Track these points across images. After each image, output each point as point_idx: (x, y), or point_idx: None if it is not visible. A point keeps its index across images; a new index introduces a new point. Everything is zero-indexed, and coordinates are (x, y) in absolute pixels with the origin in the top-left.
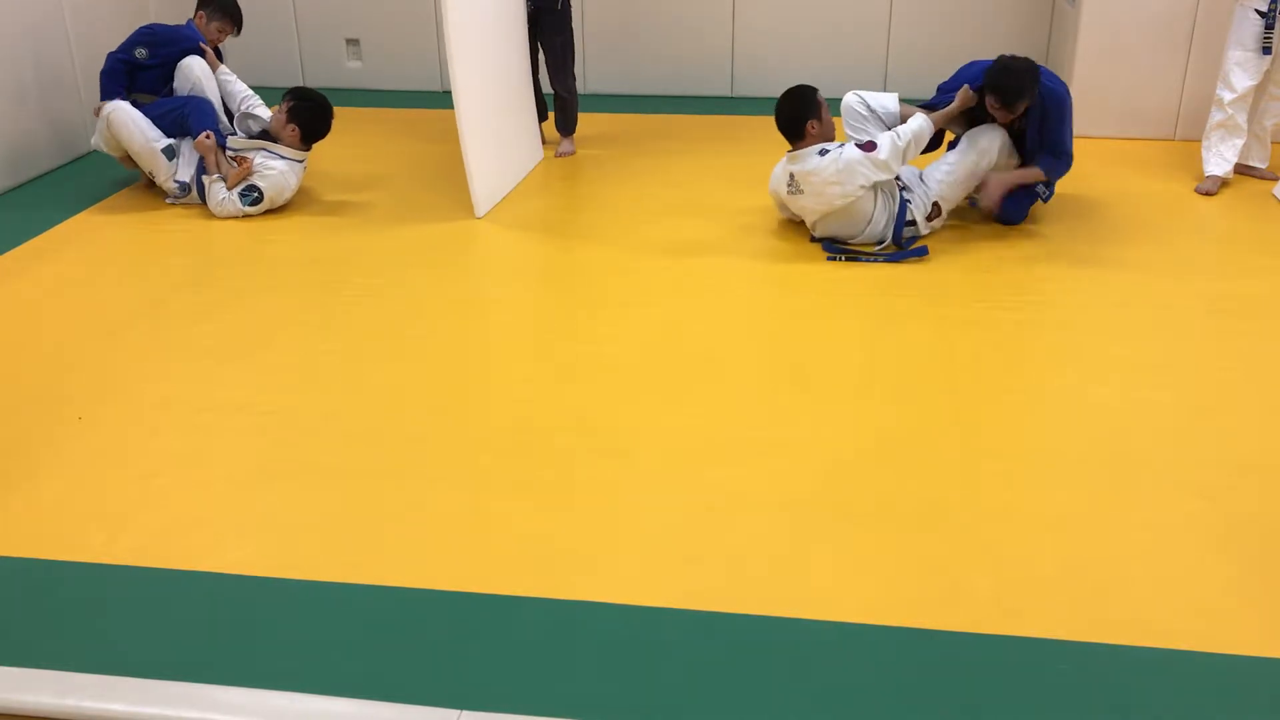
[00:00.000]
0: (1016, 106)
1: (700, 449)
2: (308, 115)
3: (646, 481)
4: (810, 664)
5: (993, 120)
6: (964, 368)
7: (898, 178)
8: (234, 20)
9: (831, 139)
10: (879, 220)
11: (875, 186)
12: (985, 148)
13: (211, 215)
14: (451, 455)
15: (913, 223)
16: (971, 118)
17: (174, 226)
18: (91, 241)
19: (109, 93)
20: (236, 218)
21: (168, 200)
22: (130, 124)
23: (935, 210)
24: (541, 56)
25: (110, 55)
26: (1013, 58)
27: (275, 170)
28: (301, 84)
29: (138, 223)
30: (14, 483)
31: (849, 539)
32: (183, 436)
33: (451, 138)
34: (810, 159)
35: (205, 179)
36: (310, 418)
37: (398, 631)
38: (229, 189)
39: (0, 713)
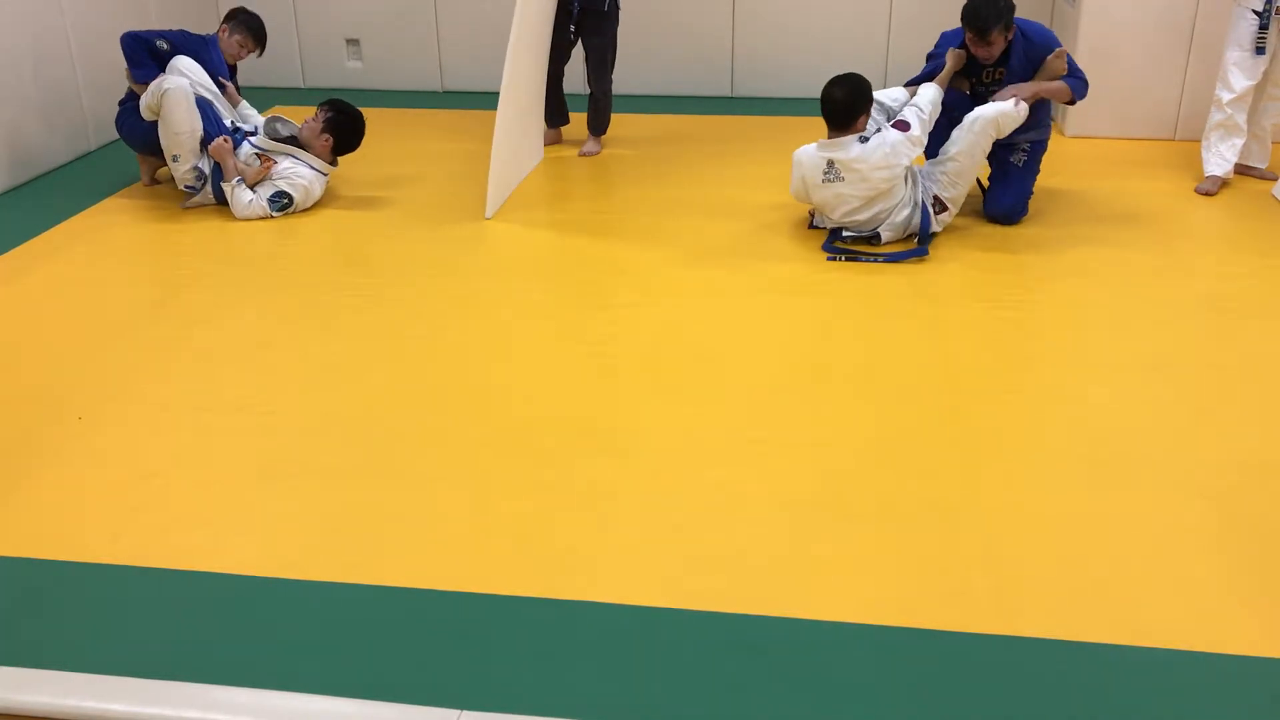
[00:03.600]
0: (993, 36)
1: (700, 449)
2: (344, 128)
3: (646, 481)
4: (810, 664)
5: (978, 75)
6: (964, 368)
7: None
8: (258, 40)
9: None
10: (907, 203)
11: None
12: (979, 138)
13: (212, 215)
14: (451, 455)
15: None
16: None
17: (174, 227)
18: (92, 242)
19: (143, 67)
20: (260, 219)
21: (183, 205)
22: (186, 104)
23: (939, 205)
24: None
25: (130, 33)
26: None
27: (304, 179)
28: (301, 84)
29: (138, 223)
30: (14, 483)
31: (849, 539)
32: (183, 436)
33: (452, 138)
34: (852, 147)
35: (224, 184)
36: (310, 418)
37: (398, 631)
38: (251, 187)
39: (0, 713)
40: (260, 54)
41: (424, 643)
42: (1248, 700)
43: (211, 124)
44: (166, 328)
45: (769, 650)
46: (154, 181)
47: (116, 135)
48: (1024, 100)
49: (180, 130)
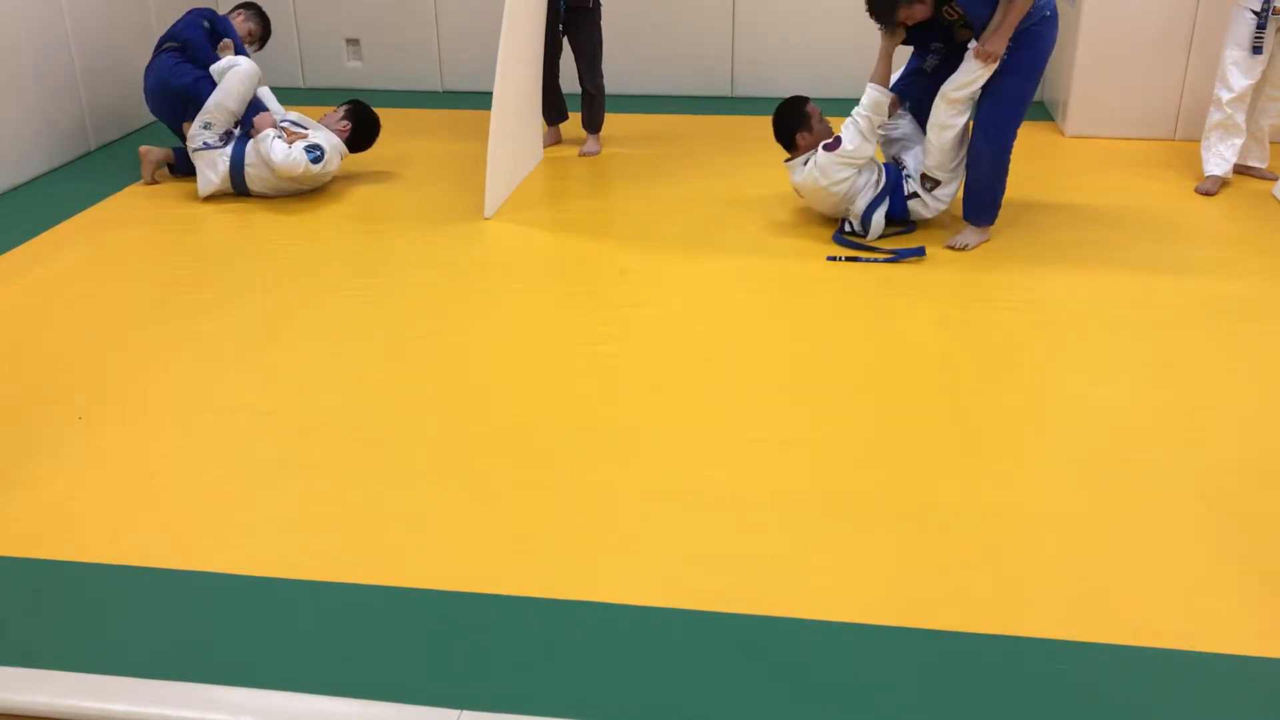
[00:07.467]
0: (900, 15)
1: (700, 449)
2: (364, 118)
3: (646, 481)
4: (810, 664)
5: (936, 36)
6: (964, 367)
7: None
8: (264, 35)
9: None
10: (866, 190)
11: (859, 168)
12: (948, 117)
13: (212, 216)
14: (451, 455)
15: (914, 195)
16: (926, 46)
17: (174, 227)
18: (92, 241)
19: (201, 45)
20: (297, 175)
21: (196, 145)
22: (250, 85)
23: (930, 181)
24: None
25: (187, 19)
26: None
27: (330, 143)
28: (301, 84)
29: (138, 223)
30: (14, 483)
31: (849, 539)
32: (183, 436)
33: (452, 138)
34: (798, 170)
35: (264, 136)
36: (310, 418)
37: (398, 631)
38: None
39: (0, 712)
40: (259, 49)
41: (424, 643)
42: (1248, 700)
43: (249, 113)
44: (166, 328)
45: (769, 650)
46: (154, 180)
47: (116, 136)
48: (995, 52)
49: (231, 105)
